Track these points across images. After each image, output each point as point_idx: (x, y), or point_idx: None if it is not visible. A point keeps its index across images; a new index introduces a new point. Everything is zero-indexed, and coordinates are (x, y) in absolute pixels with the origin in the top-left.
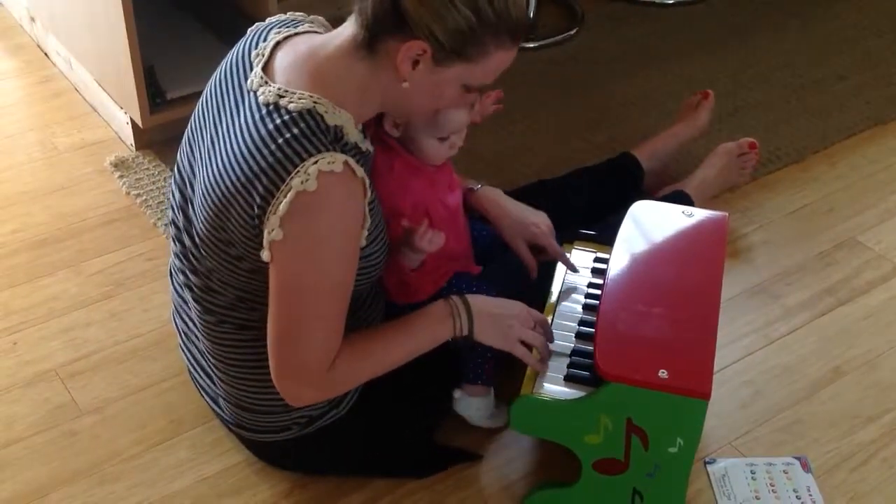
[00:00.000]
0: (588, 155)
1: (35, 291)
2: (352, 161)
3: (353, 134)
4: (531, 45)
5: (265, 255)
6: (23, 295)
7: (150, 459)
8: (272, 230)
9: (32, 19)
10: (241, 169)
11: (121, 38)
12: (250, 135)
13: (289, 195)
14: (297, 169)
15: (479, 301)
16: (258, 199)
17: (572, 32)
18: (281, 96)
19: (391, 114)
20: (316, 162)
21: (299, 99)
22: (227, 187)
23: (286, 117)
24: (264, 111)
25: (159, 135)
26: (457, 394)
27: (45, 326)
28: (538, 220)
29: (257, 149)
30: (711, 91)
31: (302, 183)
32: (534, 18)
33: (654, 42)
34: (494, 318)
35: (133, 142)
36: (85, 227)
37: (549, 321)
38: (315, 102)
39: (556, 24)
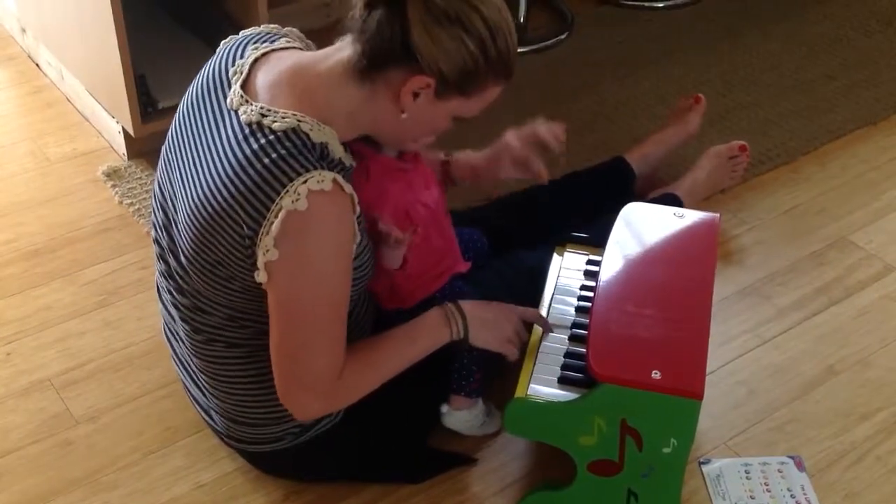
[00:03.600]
0: (579, 158)
1: (29, 301)
2: (340, 178)
3: (338, 150)
4: (521, 50)
5: (261, 276)
6: (16, 305)
7: (145, 467)
8: (267, 250)
9: (23, 30)
10: (228, 191)
11: (112, 48)
12: (234, 155)
13: (280, 215)
14: (286, 189)
15: (471, 306)
16: (248, 220)
17: (562, 36)
18: (264, 115)
19: (377, 138)
20: (305, 181)
21: (283, 118)
22: (213, 209)
23: (271, 137)
24: (247, 131)
25: (151, 144)
26: (444, 408)
27: (39, 336)
28: (501, 144)
29: (243, 169)
30: (703, 96)
31: (293, 203)
32: (523, 22)
33: (644, 45)
34: (486, 322)
35: (125, 151)
36: (78, 236)
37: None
38: (299, 121)
39: (545, 27)
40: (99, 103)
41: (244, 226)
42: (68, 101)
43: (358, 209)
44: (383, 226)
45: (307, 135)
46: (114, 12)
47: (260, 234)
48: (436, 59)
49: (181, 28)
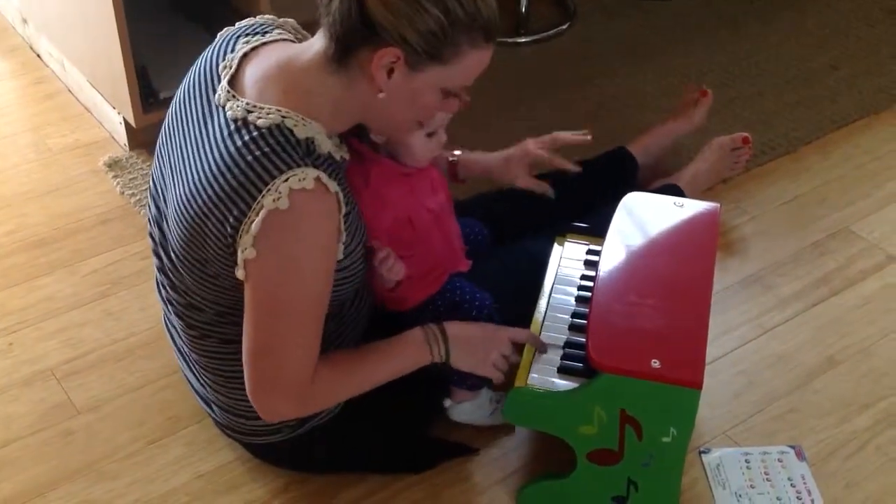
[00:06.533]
0: (580, 149)
1: (31, 292)
2: (324, 176)
3: (325, 144)
4: (523, 40)
5: (240, 273)
6: (19, 295)
7: (147, 457)
8: (245, 249)
9: (25, 21)
10: (213, 188)
11: (113, 39)
12: (220, 152)
13: (261, 214)
14: (269, 187)
15: (455, 329)
16: (231, 219)
17: (564, 27)
18: (249, 111)
19: (372, 127)
20: (287, 179)
21: (268, 114)
22: (198, 207)
23: (255, 133)
24: (233, 127)
25: (153, 134)
26: (446, 402)
27: (41, 326)
28: (519, 147)
29: (227, 167)
30: (710, 90)
31: (274, 201)
32: (525, 12)
33: (647, 35)
34: (470, 345)
35: (127, 141)
36: (80, 227)
37: (542, 316)
38: (283, 117)
39: (547, 18)
40: (100, 94)
41: (227, 224)
42: (69, 91)
43: (345, 207)
44: (375, 243)
45: (291, 130)
46: (115, 2)
47: (241, 231)
48: (396, 28)
49: (182, 18)
